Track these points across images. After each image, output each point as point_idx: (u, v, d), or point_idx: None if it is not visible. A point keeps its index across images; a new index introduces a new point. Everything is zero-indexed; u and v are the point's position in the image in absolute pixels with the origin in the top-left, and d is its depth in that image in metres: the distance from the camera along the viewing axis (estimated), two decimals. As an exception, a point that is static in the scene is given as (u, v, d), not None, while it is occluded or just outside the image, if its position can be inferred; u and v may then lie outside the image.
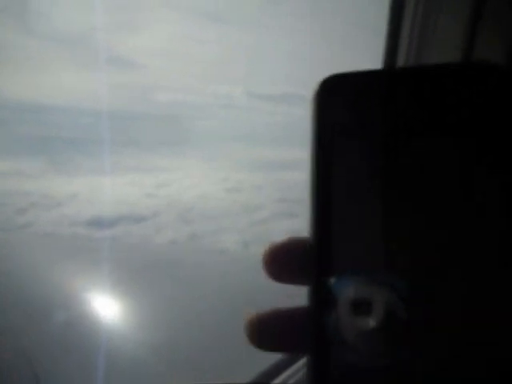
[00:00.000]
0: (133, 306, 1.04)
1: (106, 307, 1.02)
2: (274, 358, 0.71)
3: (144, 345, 0.87)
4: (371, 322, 0.17)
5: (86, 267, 1.16)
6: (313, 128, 0.19)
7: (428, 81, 0.19)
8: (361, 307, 0.18)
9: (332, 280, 0.18)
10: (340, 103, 0.19)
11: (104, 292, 1.07)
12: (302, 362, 0.69)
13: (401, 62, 0.64)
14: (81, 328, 0.88)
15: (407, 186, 0.18)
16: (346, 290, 0.18)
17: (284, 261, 0.19)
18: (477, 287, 0.17)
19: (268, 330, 0.20)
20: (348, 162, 0.19)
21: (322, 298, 0.18)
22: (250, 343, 0.19)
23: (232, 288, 1.13)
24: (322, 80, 0.20)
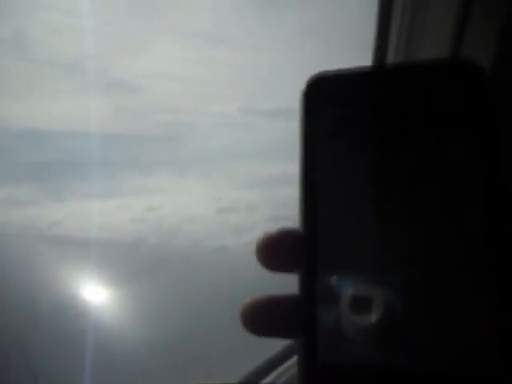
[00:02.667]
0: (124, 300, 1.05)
1: (97, 299, 1.03)
2: (269, 352, 0.72)
3: (136, 339, 0.88)
4: (363, 315, 0.18)
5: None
6: (301, 127, 0.20)
7: (410, 79, 0.20)
8: (354, 301, 0.18)
9: (322, 271, 0.19)
10: (326, 103, 0.20)
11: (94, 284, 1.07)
12: (292, 360, 0.70)
13: (390, 56, 0.65)
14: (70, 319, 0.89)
15: (397, 183, 0.19)
16: (339, 283, 0.18)
17: (276, 249, 0.20)
18: (467, 283, 0.18)
19: (261, 315, 0.20)
20: (336, 160, 0.20)
21: (312, 288, 0.19)
22: (244, 327, 0.20)
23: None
24: (308, 80, 0.21)
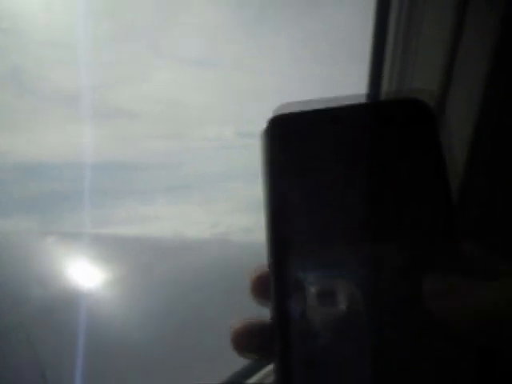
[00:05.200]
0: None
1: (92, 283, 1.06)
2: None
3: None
4: (334, 311, 0.20)
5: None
6: (263, 162, 0.23)
7: (368, 116, 0.23)
8: (323, 297, 0.20)
9: (293, 272, 0.21)
10: (286, 141, 0.23)
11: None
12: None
13: (385, 77, 0.70)
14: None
15: (356, 196, 0.22)
16: (308, 281, 0.20)
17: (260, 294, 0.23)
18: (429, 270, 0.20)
19: (243, 341, 0.23)
20: (298, 188, 0.22)
21: (285, 291, 0.20)
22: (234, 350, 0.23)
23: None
24: (270, 118, 0.23)
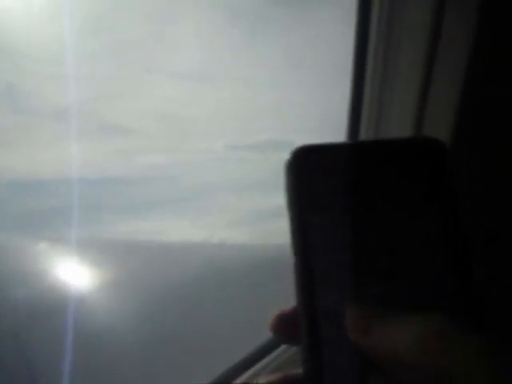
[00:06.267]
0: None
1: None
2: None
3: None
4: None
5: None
6: (288, 194, 0.25)
7: (381, 155, 0.25)
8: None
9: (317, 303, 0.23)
10: (311, 173, 0.25)
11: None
12: (266, 360, 0.75)
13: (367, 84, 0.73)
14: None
15: (375, 234, 0.24)
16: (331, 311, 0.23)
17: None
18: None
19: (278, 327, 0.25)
20: (322, 226, 0.24)
21: (314, 332, 0.23)
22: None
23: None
24: (294, 150, 0.25)
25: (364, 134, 0.76)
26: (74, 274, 1.19)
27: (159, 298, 1.14)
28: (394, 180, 0.25)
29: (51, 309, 0.97)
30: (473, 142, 0.66)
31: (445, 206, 0.24)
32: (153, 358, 0.88)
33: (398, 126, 0.72)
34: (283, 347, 0.76)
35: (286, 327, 0.26)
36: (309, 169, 0.25)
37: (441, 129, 0.66)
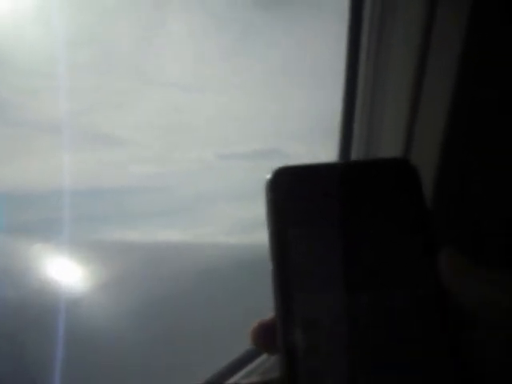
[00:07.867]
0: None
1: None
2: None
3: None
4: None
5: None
6: (267, 210, 0.26)
7: (355, 176, 0.26)
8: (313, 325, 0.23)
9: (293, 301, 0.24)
10: (289, 193, 0.26)
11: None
12: (256, 362, 0.75)
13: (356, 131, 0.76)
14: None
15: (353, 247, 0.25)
16: (304, 309, 0.24)
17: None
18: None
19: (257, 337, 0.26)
20: (301, 240, 0.25)
21: (288, 320, 0.24)
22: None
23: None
24: (274, 170, 0.27)
25: (356, 142, 0.77)
26: (67, 274, 1.18)
27: (152, 299, 1.14)
28: (368, 199, 0.26)
29: (44, 309, 0.96)
30: (466, 145, 0.67)
31: (418, 222, 0.26)
32: (145, 358, 0.88)
33: (391, 131, 0.73)
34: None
35: (265, 337, 0.26)
36: (286, 189, 0.27)
37: (433, 132, 0.67)
